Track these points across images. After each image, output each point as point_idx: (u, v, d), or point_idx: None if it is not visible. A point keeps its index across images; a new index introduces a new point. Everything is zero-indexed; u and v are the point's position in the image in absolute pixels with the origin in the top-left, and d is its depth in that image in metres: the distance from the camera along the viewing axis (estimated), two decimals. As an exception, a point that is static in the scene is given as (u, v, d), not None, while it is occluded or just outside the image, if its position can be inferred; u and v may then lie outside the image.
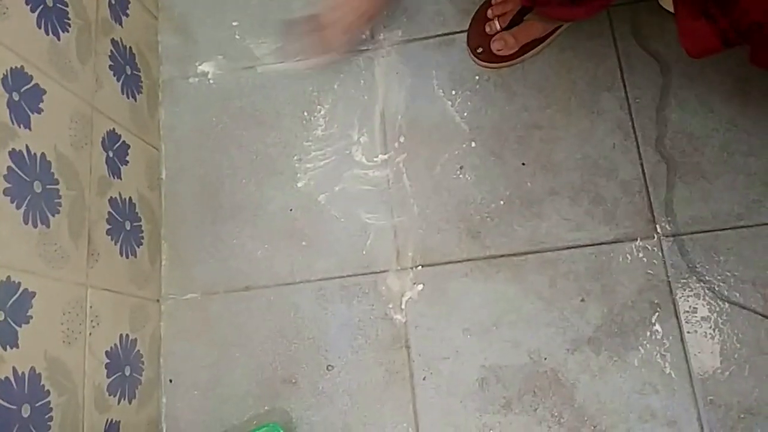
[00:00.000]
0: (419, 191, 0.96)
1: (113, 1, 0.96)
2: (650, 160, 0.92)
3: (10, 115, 0.69)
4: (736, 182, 0.89)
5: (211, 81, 1.07)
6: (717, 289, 0.86)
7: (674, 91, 0.93)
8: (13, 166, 0.69)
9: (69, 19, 0.83)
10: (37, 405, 0.68)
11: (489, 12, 0.98)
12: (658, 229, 0.89)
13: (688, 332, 0.85)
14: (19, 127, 0.70)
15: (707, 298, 0.86)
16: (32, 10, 0.76)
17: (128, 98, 0.97)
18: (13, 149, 0.69)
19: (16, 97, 0.70)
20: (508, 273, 0.91)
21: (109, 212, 0.87)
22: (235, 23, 1.09)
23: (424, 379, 0.89)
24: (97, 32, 0.90)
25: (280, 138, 1.02)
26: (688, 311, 0.86)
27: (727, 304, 0.85)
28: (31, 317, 0.68)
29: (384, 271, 0.94)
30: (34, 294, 0.69)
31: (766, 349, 0.83)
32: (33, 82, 0.74)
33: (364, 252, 0.95)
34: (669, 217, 0.89)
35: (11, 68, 0.70)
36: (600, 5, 0.89)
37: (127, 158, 0.94)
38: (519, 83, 0.98)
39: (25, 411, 0.66)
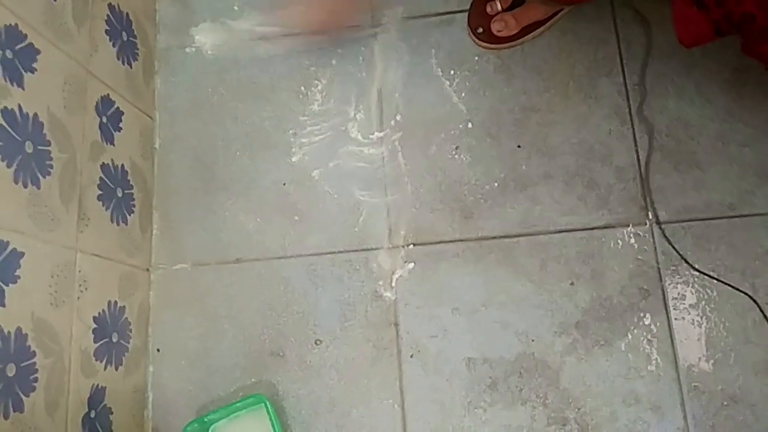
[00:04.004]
0: (414, 170, 0.96)
1: (111, -34, 0.95)
2: (645, 147, 0.92)
3: (3, 72, 0.68)
4: (730, 172, 0.89)
5: (209, 52, 1.06)
6: (706, 277, 0.86)
7: (672, 79, 0.93)
8: (5, 124, 0.68)
9: (66, -21, 0.82)
10: (22, 365, 0.67)
11: (491, -8, 0.97)
12: (650, 216, 0.89)
13: (676, 319, 0.86)
14: (12, 85, 0.70)
15: (696, 286, 0.87)
16: (28, -32, 0.75)
17: (124, 65, 0.96)
18: (6, 107, 0.68)
19: (9, 54, 0.69)
20: (500, 255, 0.91)
21: (100, 178, 0.86)
22: (234, -6, 1.08)
23: (411, 356, 0.90)
24: (94, -5, 0.89)
25: (275, 112, 1.01)
26: (676, 298, 0.87)
27: (715, 293, 0.86)
28: (19, 277, 0.68)
29: (375, 249, 0.94)
30: (22, 254, 0.69)
31: (752, 339, 0.84)
32: (27, 41, 0.73)
33: (356, 229, 0.95)
34: (661, 204, 0.89)
35: (6, 25, 0.69)
36: None
37: (121, 125, 0.93)
38: (518, 65, 0.98)
39: (10, 370, 0.66)
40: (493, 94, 0.97)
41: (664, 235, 0.88)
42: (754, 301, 0.84)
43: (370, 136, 0.98)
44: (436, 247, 0.93)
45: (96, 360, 0.81)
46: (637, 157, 0.92)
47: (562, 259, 0.90)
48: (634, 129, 0.93)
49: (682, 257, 0.86)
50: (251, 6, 1.07)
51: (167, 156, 1.02)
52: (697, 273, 0.86)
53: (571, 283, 0.89)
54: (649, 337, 0.86)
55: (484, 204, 0.93)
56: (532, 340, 0.88)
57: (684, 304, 0.86)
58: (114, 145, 0.90)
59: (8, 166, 0.68)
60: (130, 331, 0.90)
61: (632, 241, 0.89)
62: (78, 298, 0.79)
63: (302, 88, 1.02)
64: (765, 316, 0.83)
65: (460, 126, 0.97)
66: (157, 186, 1.01)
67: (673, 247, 0.87)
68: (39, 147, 0.73)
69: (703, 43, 0.71)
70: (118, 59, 0.94)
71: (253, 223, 0.97)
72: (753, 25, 0.63)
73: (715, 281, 0.86)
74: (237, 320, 0.94)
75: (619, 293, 0.88)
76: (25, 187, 0.70)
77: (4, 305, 0.65)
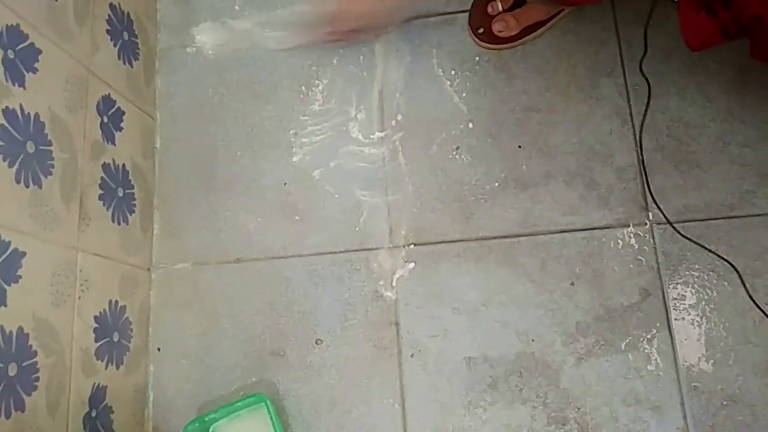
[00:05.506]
0: (414, 170, 0.96)
1: (112, -35, 0.95)
2: (646, 147, 0.92)
3: (5, 72, 0.68)
4: (731, 172, 0.89)
5: (209, 51, 1.06)
6: (706, 277, 0.87)
7: (674, 79, 0.93)
8: (6, 124, 0.68)
9: (67, -21, 0.82)
10: (24, 364, 0.68)
11: (492, -8, 0.97)
12: (651, 216, 0.90)
13: (676, 319, 0.86)
14: (14, 85, 0.70)
15: (696, 286, 0.87)
16: (29, -32, 0.75)
17: (125, 64, 0.96)
18: (7, 107, 0.68)
19: (11, 54, 0.70)
20: (500, 254, 0.91)
21: (102, 177, 0.86)
22: (235, -6, 1.08)
23: (411, 356, 0.90)
24: (96, -5, 0.89)
25: (276, 111, 1.02)
26: (676, 298, 0.87)
27: (715, 293, 0.86)
28: (21, 277, 0.68)
29: (376, 249, 0.94)
30: (24, 254, 0.69)
31: (752, 339, 0.84)
32: (29, 41, 0.73)
33: (357, 229, 0.95)
34: (662, 204, 0.89)
35: (7, 25, 0.70)
36: None
37: (122, 125, 0.93)
38: (519, 65, 0.98)
39: (12, 370, 0.66)
40: (493, 94, 0.97)
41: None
42: (735, 269, 0.85)
43: (371, 136, 0.99)
44: (436, 247, 0.93)
45: (97, 359, 0.81)
46: (638, 157, 0.92)
47: (563, 259, 0.90)
48: (634, 129, 0.93)
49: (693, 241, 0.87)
50: (252, 5, 1.07)
51: (168, 156, 1.02)
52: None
53: (572, 283, 0.89)
54: (648, 337, 0.86)
55: (485, 204, 0.93)
56: (533, 340, 0.88)
57: (684, 304, 0.86)
58: (115, 144, 0.90)
59: (10, 165, 0.68)
60: (131, 330, 0.90)
61: (632, 241, 0.89)
62: (79, 297, 0.79)
63: (303, 87, 1.02)
64: (745, 287, 0.84)
65: (461, 126, 0.97)
66: (157, 185, 1.01)
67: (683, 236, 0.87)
68: (40, 147, 0.73)
69: (711, 47, 0.71)
70: (119, 59, 0.94)
71: (254, 222, 0.97)
72: (761, 28, 0.63)
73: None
74: (238, 320, 0.94)
75: (620, 293, 0.88)
76: (27, 186, 0.71)
77: (5, 305, 0.66)
